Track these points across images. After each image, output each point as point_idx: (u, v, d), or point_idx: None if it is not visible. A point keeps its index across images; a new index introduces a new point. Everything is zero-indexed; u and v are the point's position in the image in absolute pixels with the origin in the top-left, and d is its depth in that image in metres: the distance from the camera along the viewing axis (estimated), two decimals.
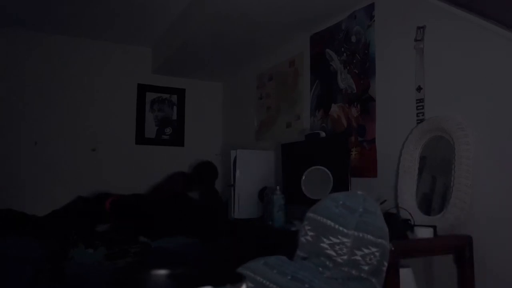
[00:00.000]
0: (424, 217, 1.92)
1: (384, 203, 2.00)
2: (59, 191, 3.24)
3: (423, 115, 2.03)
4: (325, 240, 1.00)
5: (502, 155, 1.70)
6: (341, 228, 0.99)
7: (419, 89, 2.05)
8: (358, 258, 0.99)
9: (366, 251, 0.99)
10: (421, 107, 2.04)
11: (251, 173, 2.82)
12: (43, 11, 3.06)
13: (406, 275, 1.74)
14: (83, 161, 3.53)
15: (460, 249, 1.74)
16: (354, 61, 2.48)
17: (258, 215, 2.77)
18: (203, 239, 3.00)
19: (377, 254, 1.00)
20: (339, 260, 0.98)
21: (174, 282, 1.00)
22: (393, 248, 1.56)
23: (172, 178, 3.52)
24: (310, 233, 1.05)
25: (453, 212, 1.78)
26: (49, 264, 2.40)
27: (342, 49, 2.59)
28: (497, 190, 1.70)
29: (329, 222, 1.01)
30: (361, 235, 0.99)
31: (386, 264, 1.04)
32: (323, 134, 2.56)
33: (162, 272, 1.01)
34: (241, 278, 0.89)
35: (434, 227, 1.78)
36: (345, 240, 0.99)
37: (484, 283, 1.70)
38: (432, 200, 1.95)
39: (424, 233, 1.75)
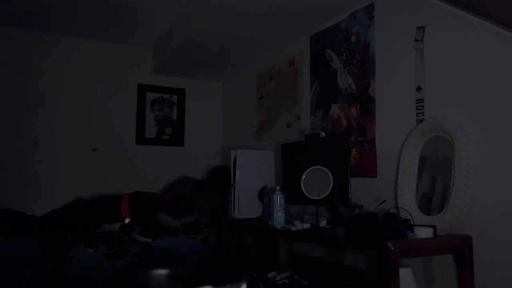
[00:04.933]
0: (424, 217, 1.92)
1: (384, 203, 2.00)
2: (59, 191, 3.25)
3: (423, 115, 2.03)
4: None
5: (502, 155, 1.70)
6: None
7: (419, 89, 2.05)
8: None
9: None
10: (421, 107, 2.04)
11: (251, 173, 2.82)
12: (43, 11, 3.06)
13: (406, 275, 1.74)
14: (83, 161, 3.53)
15: (460, 249, 1.74)
16: (354, 61, 2.48)
17: (258, 215, 2.77)
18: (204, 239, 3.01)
19: None
20: None
21: (174, 282, 1.01)
22: (393, 248, 1.57)
23: (182, 183, 3.51)
24: None
25: (453, 212, 1.78)
26: (49, 264, 2.41)
27: (342, 49, 2.59)
28: (497, 190, 1.70)
29: None
30: None
31: None
32: (323, 134, 2.56)
33: (162, 272, 1.01)
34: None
35: (434, 227, 1.78)
36: None
37: (484, 283, 1.70)
38: (432, 200, 1.95)
39: (424, 233, 1.76)
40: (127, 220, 2.95)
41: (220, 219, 3.16)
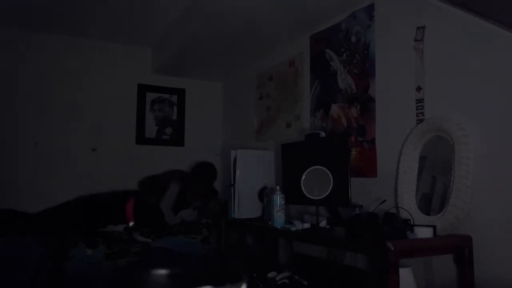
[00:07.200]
0: (424, 217, 1.92)
1: (384, 203, 2.00)
2: (59, 191, 3.25)
3: (422, 115, 2.03)
4: None
5: (502, 155, 1.70)
6: None
7: (418, 89, 2.05)
8: None
9: None
10: (420, 107, 2.04)
11: (251, 173, 2.81)
12: (43, 11, 3.06)
13: (406, 275, 1.74)
14: (83, 161, 3.53)
15: (460, 249, 1.74)
16: (354, 61, 2.48)
17: (258, 215, 2.77)
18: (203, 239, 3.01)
19: None
20: None
21: (174, 282, 1.00)
22: (393, 248, 1.57)
23: (170, 174, 3.51)
24: None
25: (453, 212, 1.78)
26: (49, 264, 2.41)
27: (342, 49, 2.59)
28: (497, 190, 1.70)
29: None
30: None
31: None
32: (323, 134, 2.56)
33: (162, 272, 1.01)
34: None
35: (434, 227, 1.78)
36: None
37: (484, 283, 1.70)
38: (432, 200, 1.95)
39: (424, 233, 1.76)
40: (131, 223, 2.94)
41: (213, 213, 3.17)
